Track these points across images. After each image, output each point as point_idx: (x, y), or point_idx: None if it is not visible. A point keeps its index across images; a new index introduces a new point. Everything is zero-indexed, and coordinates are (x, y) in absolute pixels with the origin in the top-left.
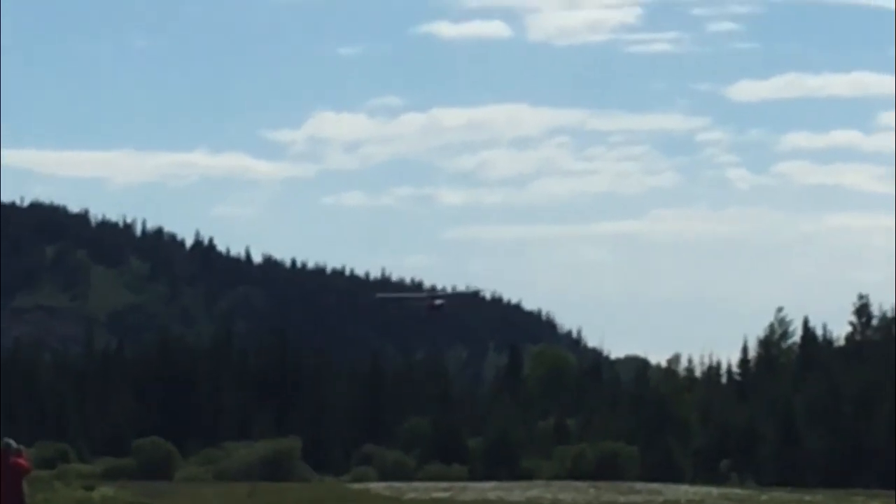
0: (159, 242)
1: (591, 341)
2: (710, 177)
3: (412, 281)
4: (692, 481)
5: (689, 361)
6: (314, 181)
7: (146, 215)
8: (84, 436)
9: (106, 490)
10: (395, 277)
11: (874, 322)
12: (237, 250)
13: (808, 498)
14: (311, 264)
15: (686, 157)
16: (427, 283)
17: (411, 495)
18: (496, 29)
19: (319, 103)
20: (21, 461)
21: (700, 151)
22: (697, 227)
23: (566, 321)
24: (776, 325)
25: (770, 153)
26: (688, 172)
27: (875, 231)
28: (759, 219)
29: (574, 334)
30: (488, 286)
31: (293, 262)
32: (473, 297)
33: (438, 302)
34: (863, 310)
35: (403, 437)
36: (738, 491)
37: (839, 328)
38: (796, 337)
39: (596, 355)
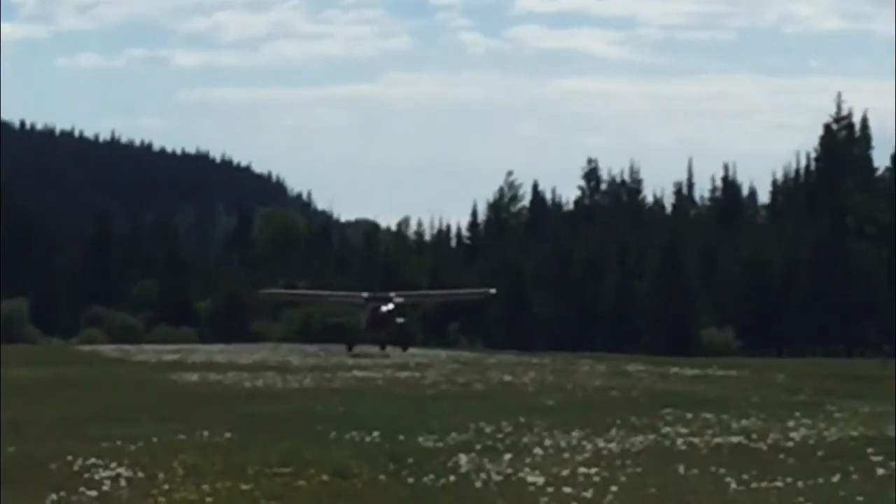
0: None
1: (321, 204)
2: (445, 41)
3: (142, 142)
4: (421, 344)
5: (419, 224)
6: (47, 42)
7: None
8: None
9: None
10: (124, 139)
11: (603, 186)
12: None
13: (535, 360)
14: (39, 126)
15: (420, 21)
16: (157, 145)
17: (140, 358)
18: None
19: None
20: None
21: (434, 15)
22: (431, 91)
23: (296, 184)
24: (506, 189)
25: (504, 17)
26: (422, 36)
27: (607, 96)
28: (492, 83)
29: (304, 197)
30: (215, 147)
31: (22, 124)
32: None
33: (387, 308)
34: (592, 174)
35: (132, 299)
36: (466, 354)
37: (568, 192)
38: (525, 201)
39: (325, 218)
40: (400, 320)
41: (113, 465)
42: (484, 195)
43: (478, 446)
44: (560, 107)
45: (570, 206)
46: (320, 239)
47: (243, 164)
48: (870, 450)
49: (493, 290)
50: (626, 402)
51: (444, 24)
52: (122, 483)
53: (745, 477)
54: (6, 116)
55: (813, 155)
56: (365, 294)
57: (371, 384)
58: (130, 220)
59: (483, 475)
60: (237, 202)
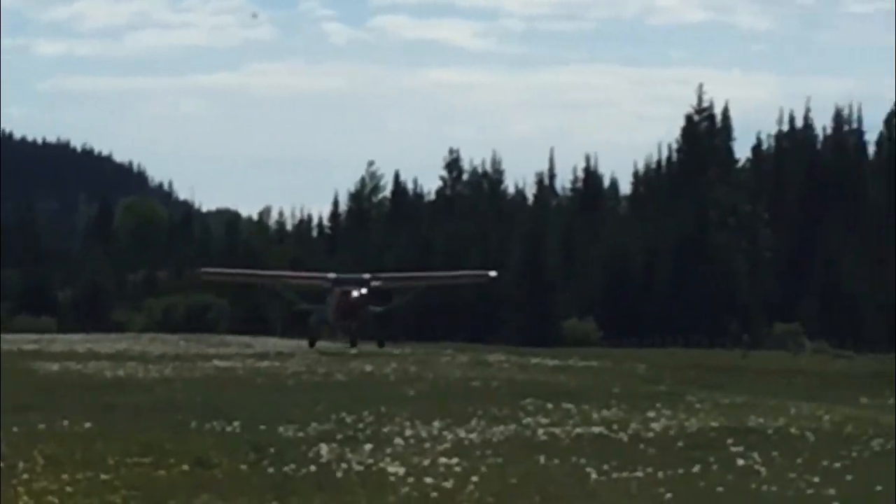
0: None
1: (182, 194)
2: (307, 31)
3: (2, 132)
4: (282, 334)
5: (281, 214)
6: None
7: None
8: None
9: None
10: None
11: (464, 177)
12: None
13: (396, 351)
14: None
15: (283, 11)
16: (17, 135)
17: None
18: None
19: None
20: None
21: (297, 5)
22: (293, 81)
23: (157, 174)
24: (367, 179)
25: (367, 7)
26: (284, 26)
27: (469, 87)
28: (355, 74)
29: (165, 187)
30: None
31: None
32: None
33: (358, 292)
34: (453, 165)
35: None
36: (327, 344)
37: (430, 183)
38: (387, 191)
39: (187, 208)
40: (376, 309)
41: None
42: (346, 185)
43: (339, 436)
44: (422, 97)
45: (432, 197)
46: (182, 229)
47: (104, 153)
48: (730, 440)
49: (493, 273)
50: (487, 392)
51: (306, 14)
52: None
53: (605, 467)
54: None
55: (674, 146)
56: (332, 275)
57: (232, 374)
58: None
59: (344, 465)
60: (98, 192)
